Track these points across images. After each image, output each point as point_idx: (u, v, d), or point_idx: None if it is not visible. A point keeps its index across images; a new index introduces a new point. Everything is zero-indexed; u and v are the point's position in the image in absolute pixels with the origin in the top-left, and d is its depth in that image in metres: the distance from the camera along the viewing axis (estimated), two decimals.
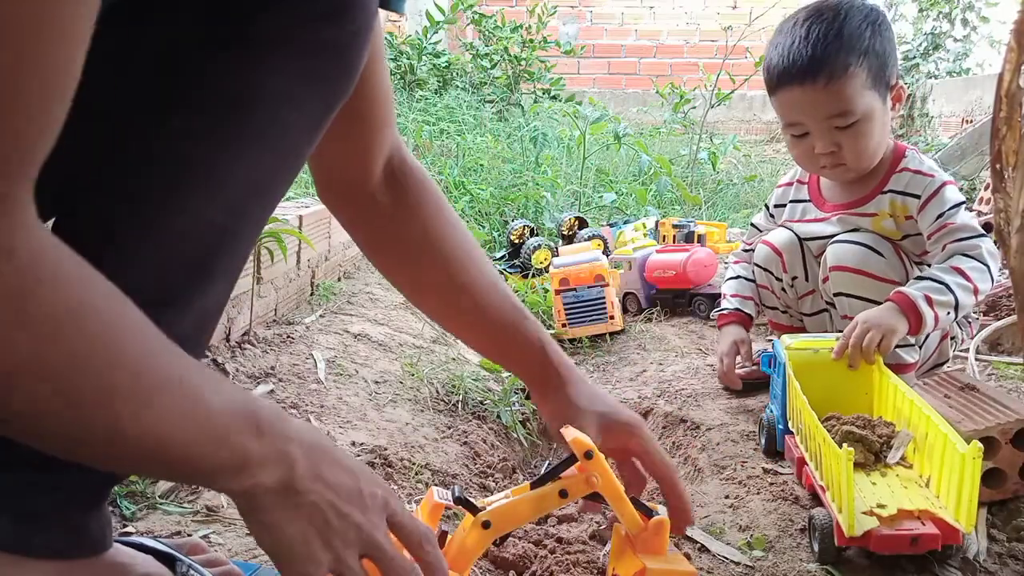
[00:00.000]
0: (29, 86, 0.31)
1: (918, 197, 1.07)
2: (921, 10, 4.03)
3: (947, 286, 0.99)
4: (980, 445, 0.69)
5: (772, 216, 1.24)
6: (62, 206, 0.48)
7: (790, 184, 1.23)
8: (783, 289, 1.18)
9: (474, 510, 0.57)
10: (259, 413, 0.42)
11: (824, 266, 1.10)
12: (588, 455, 0.58)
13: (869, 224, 1.10)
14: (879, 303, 1.03)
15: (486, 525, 0.56)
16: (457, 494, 0.57)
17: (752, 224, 1.29)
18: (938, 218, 1.04)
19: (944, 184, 1.06)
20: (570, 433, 0.60)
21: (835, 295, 1.09)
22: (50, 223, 0.52)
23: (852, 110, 1.02)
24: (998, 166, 0.76)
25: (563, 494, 0.58)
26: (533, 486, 0.59)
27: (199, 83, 0.45)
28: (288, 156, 0.50)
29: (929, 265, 1.06)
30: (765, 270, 1.19)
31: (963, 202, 1.06)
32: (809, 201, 1.18)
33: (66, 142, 0.46)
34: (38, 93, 0.31)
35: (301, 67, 0.46)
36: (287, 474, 0.43)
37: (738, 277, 1.25)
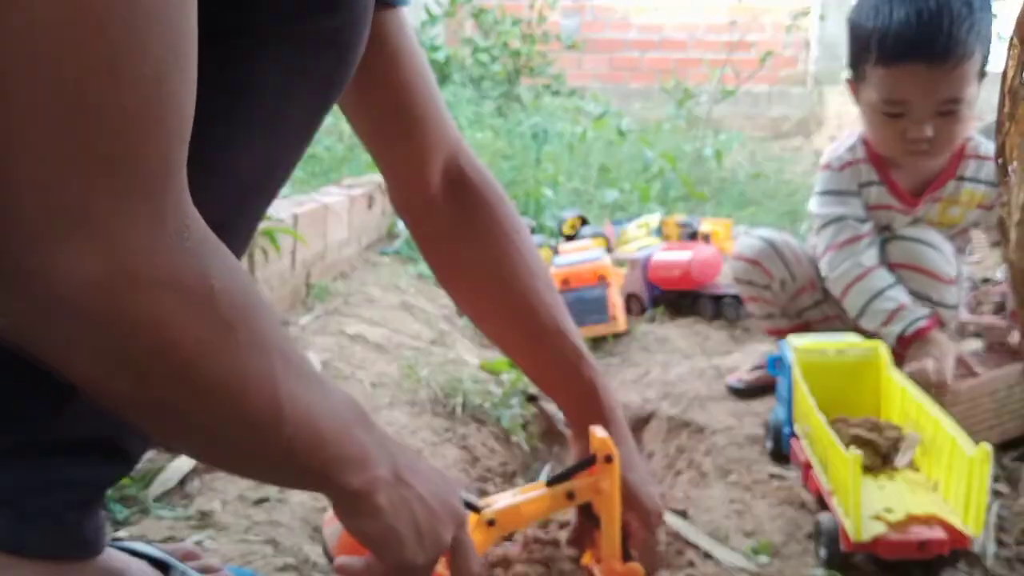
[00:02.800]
0: (176, 57, 0.31)
1: (995, 185, 1.00)
2: None
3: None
4: (988, 448, 0.68)
5: (859, 195, 1.07)
6: None
7: (851, 164, 1.07)
8: (773, 295, 1.16)
9: (476, 510, 0.56)
10: (358, 404, 0.43)
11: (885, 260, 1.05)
12: (608, 459, 0.56)
13: (938, 210, 1.08)
14: (930, 300, 1.03)
15: (491, 523, 0.56)
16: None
17: (845, 218, 1.06)
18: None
19: None
20: (599, 432, 0.58)
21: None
22: None
23: (964, 97, 0.96)
24: (1000, 160, 0.77)
25: (570, 496, 0.57)
26: (549, 484, 0.57)
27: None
28: (283, 149, 0.50)
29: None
30: (748, 283, 1.16)
31: None
32: (881, 184, 1.07)
33: None
34: (185, 59, 0.32)
35: (294, 60, 0.46)
36: (394, 466, 0.44)
37: (892, 285, 1.02)
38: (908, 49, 0.94)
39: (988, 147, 1.06)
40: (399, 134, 0.60)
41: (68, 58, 0.27)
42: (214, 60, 0.44)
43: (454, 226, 0.63)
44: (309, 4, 0.44)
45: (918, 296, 1.04)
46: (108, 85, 0.28)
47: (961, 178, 1.06)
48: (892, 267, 1.05)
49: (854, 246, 1.05)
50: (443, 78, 3.42)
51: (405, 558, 0.45)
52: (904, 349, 0.99)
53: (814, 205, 1.12)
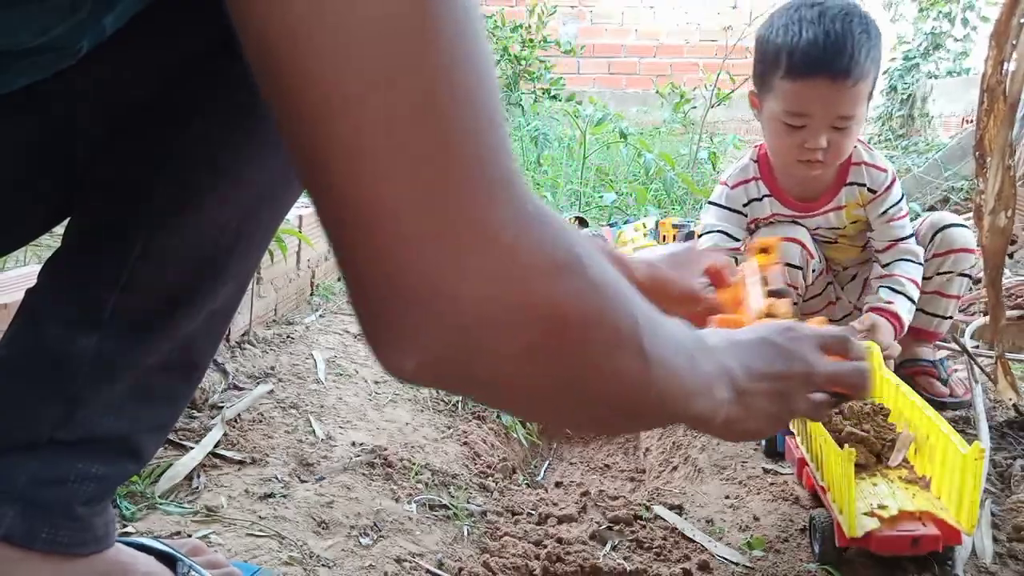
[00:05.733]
0: (492, 67, 0.31)
1: (874, 192, 1.18)
2: (921, 9, 4.03)
3: (915, 301, 1.15)
4: (983, 446, 0.69)
5: (744, 215, 1.22)
6: (74, 204, 0.50)
7: (743, 183, 1.21)
8: (804, 277, 1.20)
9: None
10: (689, 327, 0.43)
11: (945, 243, 1.18)
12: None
13: (844, 215, 1.20)
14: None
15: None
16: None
17: (720, 231, 1.22)
18: (885, 211, 1.18)
19: (893, 181, 1.19)
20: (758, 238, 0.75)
21: (955, 274, 1.18)
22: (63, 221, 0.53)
23: (856, 115, 1.07)
24: (978, 153, 0.81)
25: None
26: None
27: (215, 91, 0.47)
28: None
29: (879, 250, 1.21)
30: (798, 267, 1.18)
31: (903, 196, 1.20)
32: (770, 196, 1.20)
33: (81, 143, 0.47)
34: (494, 69, 0.32)
35: None
36: (733, 384, 0.45)
37: None
38: (815, 65, 1.03)
39: (871, 155, 1.19)
40: None
41: (432, 84, 0.28)
42: (235, 77, 0.46)
43: None
44: None
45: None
46: (468, 97, 0.29)
47: (852, 184, 1.18)
48: (960, 251, 1.17)
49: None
50: None
51: (767, 435, 0.49)
52: None
53: (704, 212, 1.27)
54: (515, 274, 0.30)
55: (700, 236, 1.27)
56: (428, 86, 0.28)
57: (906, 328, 1.13)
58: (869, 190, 1.18)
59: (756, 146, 1.24)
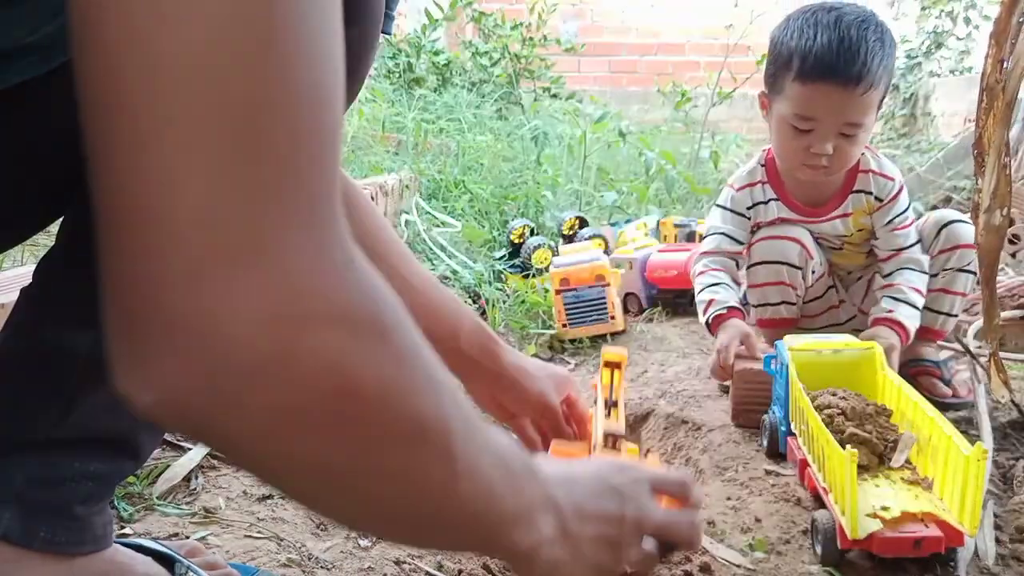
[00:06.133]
0: (336, 73, 0.27)
1: (881, 200, 1.18)
2: (923, 8, 4.03)
3: (918, 308, 1.15)
4: (985, 447, 0.69)
5: (747, 218, 1.22)
6: (72, 203, 0.50)
7: (749, 186, 1.22)
8: (803, 277, 1.20)
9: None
10: (517, 445, 0.39)
11: (949, 239, 1.16)
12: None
13: (850, 223, 1.20)
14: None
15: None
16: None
17: (723, 234, 1.22)
18: (890, 221, 1.18)
19: (900, 189, 1.18)
20: (612, 349, 0.76)
21: (959, 270, 1.17)
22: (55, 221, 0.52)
23: (864, 123, 1.07)
24: (976, 152, 0.82)
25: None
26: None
27: None
28: None
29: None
30: (797, 267, 1.18)
31: (909, 205, 1.21)
32: (777, 199, 1.20)
33: (80, 142, 0.47)
34: (340, 77, 0.28)
35: None
36: (558, 520, 0.40)
37: (720, 283, 1.19)
38: (826, 71, 1.03)
39: (879, 163, 1.19)
40: None
41: (236, 77, 0.24)
42: None
43: None
44: None
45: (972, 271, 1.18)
46: (277, 105, 0.25)
47: (859, 191, 1.18)
48: (962, 247, 1.16)
49: (714, 256, 1.22)
50: (444, 81, 3.43)
51: None
52: (713, 333, 1.19)
53: (709, 214, 1.28)
54: (298, 321, 0.25)
55: (703, 238, 1.28)
56: (246, 77, 0.24)
57: (912, 336, 1.13)
58: (876, 198, 1.17)
59: (764, 150, 1.24)
